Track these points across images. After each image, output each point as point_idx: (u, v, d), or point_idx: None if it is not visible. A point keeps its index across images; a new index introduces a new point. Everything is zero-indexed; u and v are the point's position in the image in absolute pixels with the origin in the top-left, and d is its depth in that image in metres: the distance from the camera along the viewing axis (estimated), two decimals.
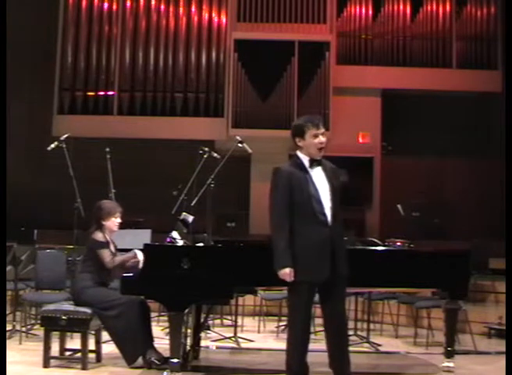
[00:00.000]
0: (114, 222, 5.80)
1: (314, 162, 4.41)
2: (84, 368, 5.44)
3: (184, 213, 5.74)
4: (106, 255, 5.64)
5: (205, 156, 6.79)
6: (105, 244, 5.69)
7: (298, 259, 4.35)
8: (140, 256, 5.48)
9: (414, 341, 7.36)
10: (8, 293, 7.27)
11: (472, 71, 12.43)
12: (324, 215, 4.34)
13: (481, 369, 5.96)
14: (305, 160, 4.43)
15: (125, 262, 5.59)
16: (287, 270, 4.31)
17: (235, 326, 7.20)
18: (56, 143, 7.50)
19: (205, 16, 12.70)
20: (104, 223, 5.76)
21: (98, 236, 5.70)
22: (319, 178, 4.41)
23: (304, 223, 4.34)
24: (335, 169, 4.53)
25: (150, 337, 5.63)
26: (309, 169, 4.41)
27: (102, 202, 5.96)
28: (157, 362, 5.47)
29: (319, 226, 4.33)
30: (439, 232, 10.43)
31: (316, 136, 4.41)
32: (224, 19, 12.64)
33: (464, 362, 6.02)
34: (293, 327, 4.53)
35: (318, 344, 6.86)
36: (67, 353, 5.78)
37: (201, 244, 5.61)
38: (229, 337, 7.00)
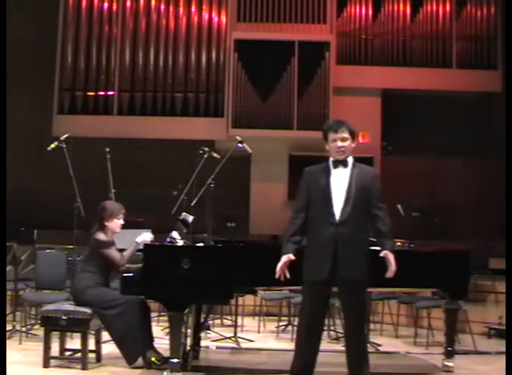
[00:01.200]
0: (117, 223, 5.79)
1: (338, 164, 4.44)
2: (84, 368, 5.43)
3: (184, 213, 5.74)
4: (115, 253, 5.64)
5: (205, 156, 6.78)
6: (111, 244, 5.69)
7: (305, 257, 4.41)
8: (147, 237, 5.59)
9: (414, 341, 7.36)
10: (8, 293, 7.26)
11: (472, 71, 12.43)
12: (332, 214, 4.33)
13: (481, 369, 5.96)
14: (330, 162, 4.48)
15: (133, 255, 5.57)
16: (283, 257, 4.36)
17: (235, 326, 7.19)
18: (56, 143, 7.49)
19: (205, 16, 12.70)
20: (106, 223, 5.75)
21: (101, 237, 5.70)
22: (340, 178, 4.41)
23: (314, 222, 4.38)
24: (369, 171, 4.50)
25: (150, 337, 5.63)
26: (332, 170, 4.43)
27: (106, 203, 5.95)
28: (157, 362, 5.47)
29: (326, 225, 4.33)
30: (439, 232, 10.43)
31: (335, 140, 4.44)
32: (224, 19, 12.64)
33: (464, 362, 6.02)
34: (298, 327, 4.57)
35: None
36: (67, 353, 5.78)
37: (201, 244, 5.61)
38: (229, 337, 6.99)
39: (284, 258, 4.36)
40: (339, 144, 4.42)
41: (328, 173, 4.43)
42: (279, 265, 4.36)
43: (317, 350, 4.41)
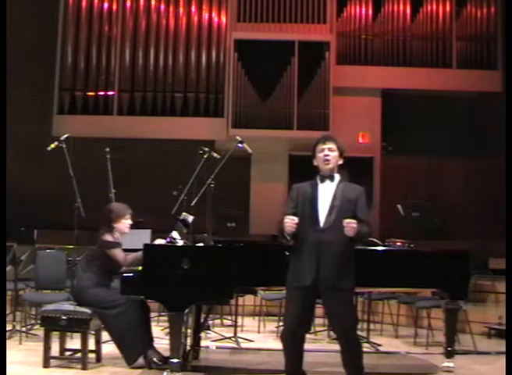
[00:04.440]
0: (125, 224, 5.83)
1: (325, 179, 4.55)
2: (84, 368, 5.44)
3: (184, 213, 5.74)
4: (119, 254, 5.67)
5: (205, 156, 6.77)
6: (117, 244, 5.73)
7: (291, 264, 4.49)
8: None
9: (414, 341, 7.37)
10: (8, 293, 7.27)
11: (472, 71, 12.42)
12: (317, 221, 4.42)
13: (481, 369, 5.96)
14: (318, 177, 4.60)
15: (137, 261, 5.55)
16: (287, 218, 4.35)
17: (235, 326, 7.20)
18: (56, 143, 7.47)
19: (205, 16, 12.70)
20: (115, 225, 5.78)
21: (108, 238, 5.72)
22: (326, 190, 4.52)
23: (301, 228, 4.42)
24: (355, 187, 4.56)
25: (150, 337, 5.64)
26: (319, 184, 4.56)
27: (112, 205, 6.01)
28: (158, 362, 5.48)
29: (310, 232, 4.41)
30: (439, 232, 10.43)
31: (322, 150, 4.57)
32: (224, 19, 12.64)
33: (464, 362, 6.03)
34: (282, 331, 4.61)
35: (318, 344, 6.91)
36: (67, 353, 5.79)
37: (201, 244, 5.61)
38: (229, 337, 7.00)
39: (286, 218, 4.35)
40: (326, 152, 4.54)
41: (315, 187, 4.55)
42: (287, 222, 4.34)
43: (302, 350, 4.47)
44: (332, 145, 4.58)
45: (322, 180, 4.56)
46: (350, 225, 4.27)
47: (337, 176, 4.60)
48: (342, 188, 4.53)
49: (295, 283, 4.42)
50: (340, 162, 4.62)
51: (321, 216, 4.43)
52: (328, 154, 4.54)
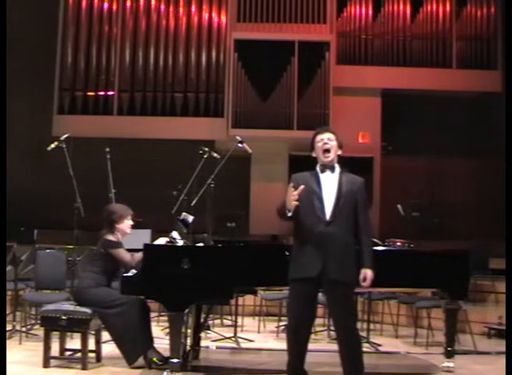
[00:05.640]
0: (127, 224, 5.84)
1: (325, 169, 4.54)
2: (84, 368, 5.44)
3: (184, 213, 5.74)
4: (124, 254, 5.67)
5: (205, 156, 6.78)
6: (120, 244, 5.74)
7: (293, 256, 4.46)
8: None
9: (414, 341, 7.37)
10: (8, 293, 7.27)
11: (472, 71, 12.43)
12: (323, 213, 4.40)
13: (481, 369, 5.96)
14: (318, 167, 4.58)
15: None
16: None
17: (235, 326, 7.20)
18: (56, 143, 7.47)
19: (205, 16, 12.70)
20: (117, 226, 5.79)
21: (110, 237, 5.73)
22: (329, 181, 4.51)
23: (303, 219, 4.41)
24: (357, 179, 4.58)
25: (150, 337, 5.64)
26: (320, 175, 4.54)
27: (113, 206, 6.02)
28: (158, 362, 5.47)
29: (316, 223, 4.39)
30: (439, 232, 10.42)
31: (322, 139, 4.56)
32: (224, 19, 12.64)
33: (464, 362, 6.03)
34: (286, 327, 4.59)
35: (318, 344, 6.90)
36: (67, 353, 5.78)
37: (201, 244, 5.61)
38: (229, 337, 7.00)
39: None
40: (326, 140, 4.54)
41: (317, 177, 4.53)
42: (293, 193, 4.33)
43: (305, 350, 4.46)
44: (330, 135, 4.58)
45: (323, 171, 4.54)
46: (368, 281, 4.43)
47: (337, 167, 4.58)
48: (345, 180, 4.52)
49: (297, 274, 4.39)
50: (339, 152, 4.60)
51: (328, 208, 4.41)
52: (328, 142, 4.53)
